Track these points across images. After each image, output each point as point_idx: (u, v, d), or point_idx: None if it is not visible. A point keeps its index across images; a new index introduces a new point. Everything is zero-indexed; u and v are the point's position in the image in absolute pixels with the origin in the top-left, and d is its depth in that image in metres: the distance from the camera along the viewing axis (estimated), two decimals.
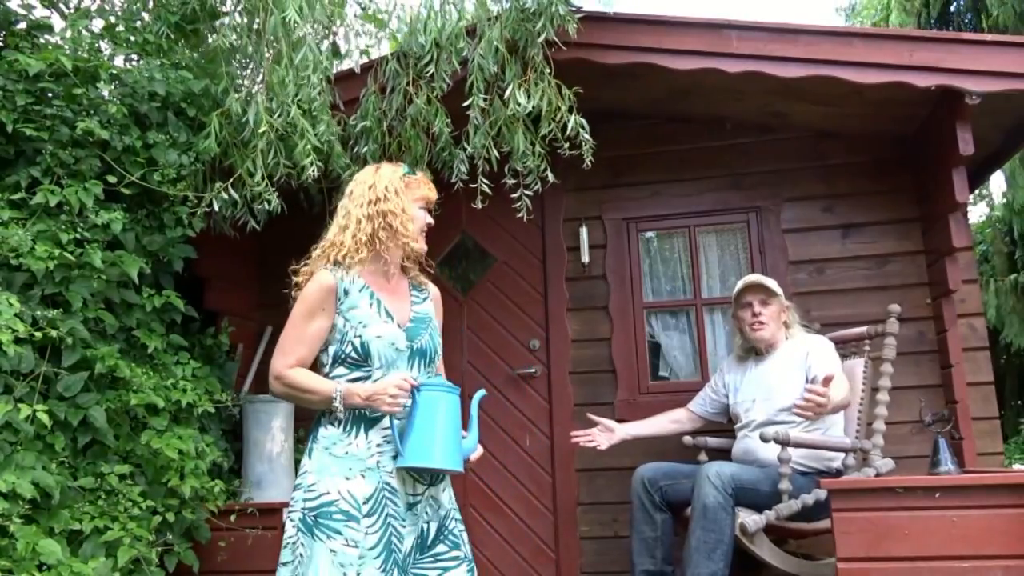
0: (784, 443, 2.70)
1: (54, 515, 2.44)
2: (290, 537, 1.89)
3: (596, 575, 3.66)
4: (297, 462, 3.75)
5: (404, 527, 1.91)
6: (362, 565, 1.82)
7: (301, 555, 1.85)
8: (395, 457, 1.91)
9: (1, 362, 2.42)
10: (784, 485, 2.68)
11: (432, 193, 2.13)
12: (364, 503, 1.87)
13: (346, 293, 1.97)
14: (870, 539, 2.41)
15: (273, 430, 3.58)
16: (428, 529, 1.98)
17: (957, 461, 2.82)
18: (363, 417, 1.94)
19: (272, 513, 3.12)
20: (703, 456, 3.21)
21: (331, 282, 1.96)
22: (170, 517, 2.76)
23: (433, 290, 2.18)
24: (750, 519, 2.66)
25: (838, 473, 2.86)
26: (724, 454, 3.15)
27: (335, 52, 3.29)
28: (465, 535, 2.07)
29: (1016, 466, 7.13)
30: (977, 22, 8.75)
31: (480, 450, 2.03)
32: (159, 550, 2.71)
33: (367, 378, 1.94)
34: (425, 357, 2.03)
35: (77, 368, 2.62)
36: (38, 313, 2.55)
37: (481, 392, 2.07)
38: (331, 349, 1.99)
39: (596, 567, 3.66)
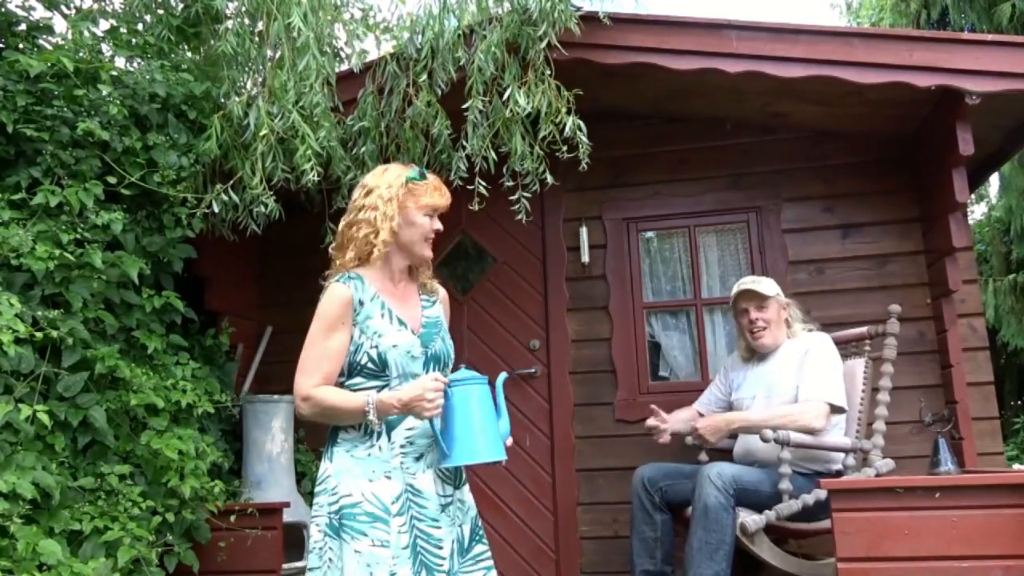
0: (784, 443, 2.70)
1: (54, 515, 2.44)
2: (316, 542, 1.85)
3: (596, 575, 3.66)
4: (298, 462, 3.76)
5: (438, 528, 1.86)
6: (396, 564, 1.79)
7: (330, 559, 1.83)
8: (418, 458, 1.90)
9: (1, 362, 2.42)
10: (785, 485, 2.69)
11: (441, 200, 2.02)
12: (392, 503, 1.84)
13: (361, 304, 1.92)
14: (870, 539, 2.41)
15: (273, 430, 3.58)
16: (463, 532, 1.95)
17: (957, 461, 2.82)
18: (384, 420, 1.89)
19: (272, 513, 3.11)
20: (703, 456, 3.20)
21: (348, 295, 1.91)
22: (170, 517, 2.76)
23: (441, 292, 2.13)
24: (750, 519, 2.66)
25: (838, 474, 2.86)
26: (725, 454, 3.15)
27: (335, 55, 3.29)
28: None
29: (1016, 466, 7.12)
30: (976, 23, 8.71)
31: (510, 438, 1.95)
32: (159, 550, 2.71)
33: (385, 387, 1.90)
34: (440, 362, 1.98)
35: (77, 368, 2.62)
36: (38, 313, 2.55)
37: (503, 375, 2.01)
38: (345, 360, 1.93)
39: (596, 567, 3.66)
